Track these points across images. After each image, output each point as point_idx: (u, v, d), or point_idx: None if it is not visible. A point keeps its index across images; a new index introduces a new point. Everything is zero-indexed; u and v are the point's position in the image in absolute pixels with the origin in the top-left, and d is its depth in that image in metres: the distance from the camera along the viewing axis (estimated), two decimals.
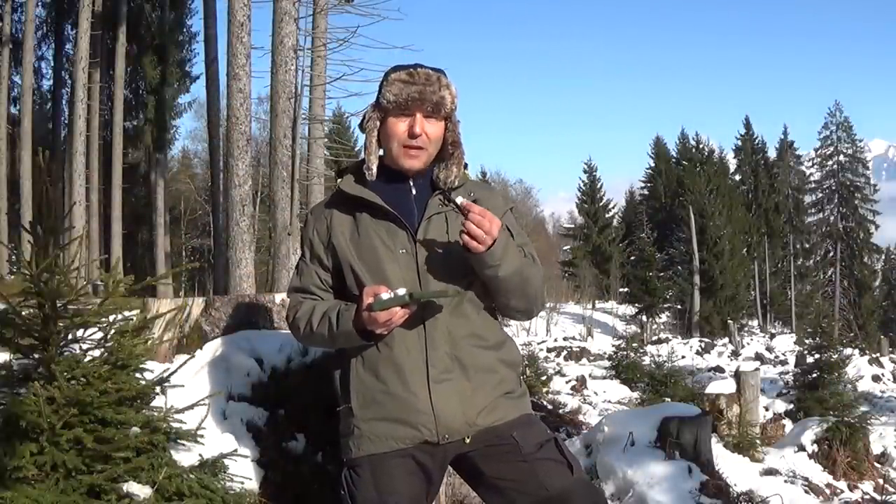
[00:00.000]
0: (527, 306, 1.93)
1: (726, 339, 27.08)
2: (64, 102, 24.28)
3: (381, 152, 1.94)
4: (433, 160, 1.94)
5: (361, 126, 1.94)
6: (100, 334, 2.11)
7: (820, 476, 4.94)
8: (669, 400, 7.26)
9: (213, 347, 2.66)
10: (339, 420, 1.92)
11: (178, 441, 2.11)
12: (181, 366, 2.25)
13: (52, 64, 25.48)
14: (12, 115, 21.35)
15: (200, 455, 2.15)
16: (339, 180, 1.98)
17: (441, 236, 1.87)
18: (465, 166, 1.96)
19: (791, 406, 8.26)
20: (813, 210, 50.64)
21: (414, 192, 1.92)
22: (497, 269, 1.80)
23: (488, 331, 1.91)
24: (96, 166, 20.93)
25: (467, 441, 1.83)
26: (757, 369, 7.57)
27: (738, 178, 50.36)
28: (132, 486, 1.93)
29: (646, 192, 53.84)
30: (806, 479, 4.72)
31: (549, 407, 7.34)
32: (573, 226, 55.18)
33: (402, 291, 1.74)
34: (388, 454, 1.81)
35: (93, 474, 1.89)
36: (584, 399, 9.63)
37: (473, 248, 1.75)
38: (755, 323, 43.04)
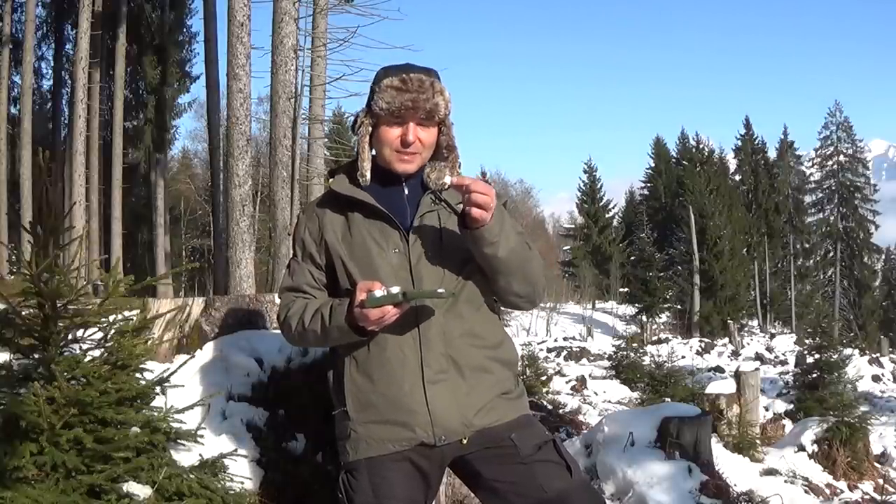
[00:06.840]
0: (528, 290, 1.90)
1: (726, 339, 27.09)
2: (64, 102, 24.32)
3: (373, 152, 1.92)
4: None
5: (353, 129, 1.92)
6: (100, 334, 2.11)
7: (820, 476, 4.93)
8: (669, 400, 7.25)
9: (213, 347, 2.66)
10: (335, 424, 1.90)
11: (178, 441, 2.11)
12: (181, 366, 2.25)
13: (52, 64, 25.53)
14: (12, 115, 21.32)
15: (200, 455, 2.15)
16: (330, 180, 1.95)
17: (434, 234, 1.85)
18: (458, 165, 1.94)
19: (791, 406, 8.26)
20: (813, 210, 50.67)
21: (406, 191, 1.90)
22: (497, 246, 1.77)
23: (485, 329, 1.89)
24: (96, 166, 20.92)
25: (464, 442, 1.81)
26: (757, 369, 7.58)
27: (738, 178, 50.34)
28: (132, 486, 1.93)
29: (646, 192, 53.84)
30: (806, 479, 4.71)
31: (549, 407, 7.34)
32: (573, 226, 55.20)
33: (395, 289, 1.71)
34: (385, 457, 1.80)
35: (93, 474, 1.89)
36: (584, 399, 9.64)
37: (481, 218, 1.72)
38: (755, 323, 42.99)
